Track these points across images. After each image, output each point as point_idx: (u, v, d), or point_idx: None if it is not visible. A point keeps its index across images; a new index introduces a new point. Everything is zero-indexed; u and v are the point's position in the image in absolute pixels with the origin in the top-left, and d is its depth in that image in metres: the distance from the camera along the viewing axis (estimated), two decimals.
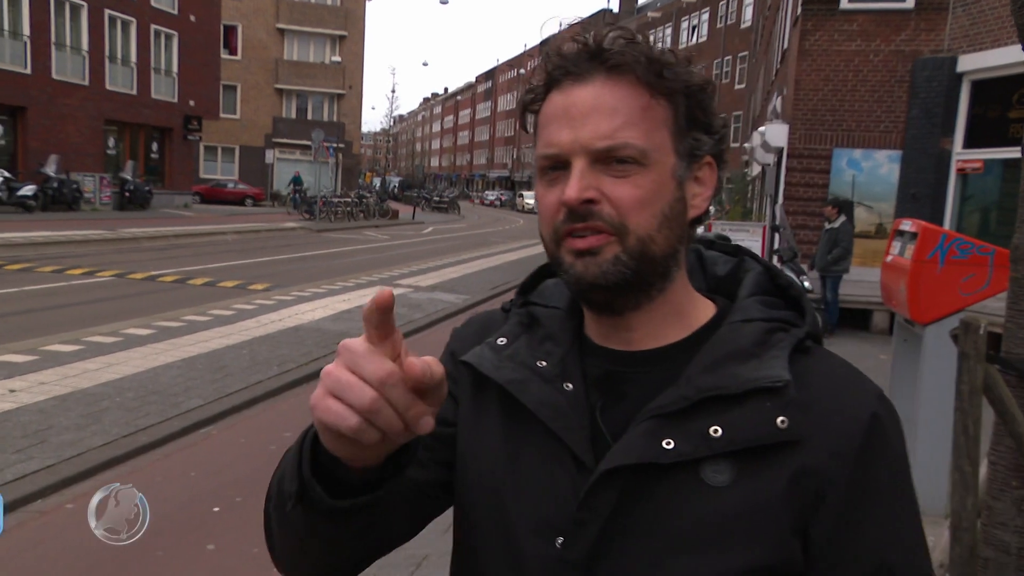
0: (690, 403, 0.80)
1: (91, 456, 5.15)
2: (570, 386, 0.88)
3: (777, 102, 15.06)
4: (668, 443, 0.79)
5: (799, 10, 12.10)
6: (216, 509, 4.67)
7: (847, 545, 0.80)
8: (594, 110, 0.82)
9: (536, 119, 0.89)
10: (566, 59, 0.86)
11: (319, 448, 0.76)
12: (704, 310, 0.92)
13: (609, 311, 0.89)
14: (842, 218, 10.73)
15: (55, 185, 24.73)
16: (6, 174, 23.21)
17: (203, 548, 4.20)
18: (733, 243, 1.02)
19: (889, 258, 5.23)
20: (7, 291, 11.28)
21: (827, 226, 10.87)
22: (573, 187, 0.82)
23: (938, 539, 3.73)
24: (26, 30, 25.27)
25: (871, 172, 11.91)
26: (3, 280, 12.19)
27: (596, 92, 0.83)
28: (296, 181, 37.48)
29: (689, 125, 0.86)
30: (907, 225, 5.16)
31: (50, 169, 24.82)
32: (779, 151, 12.89)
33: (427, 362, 0.68)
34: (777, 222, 11.55)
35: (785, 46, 14.81)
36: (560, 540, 0.83)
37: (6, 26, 24.74)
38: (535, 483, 0.87)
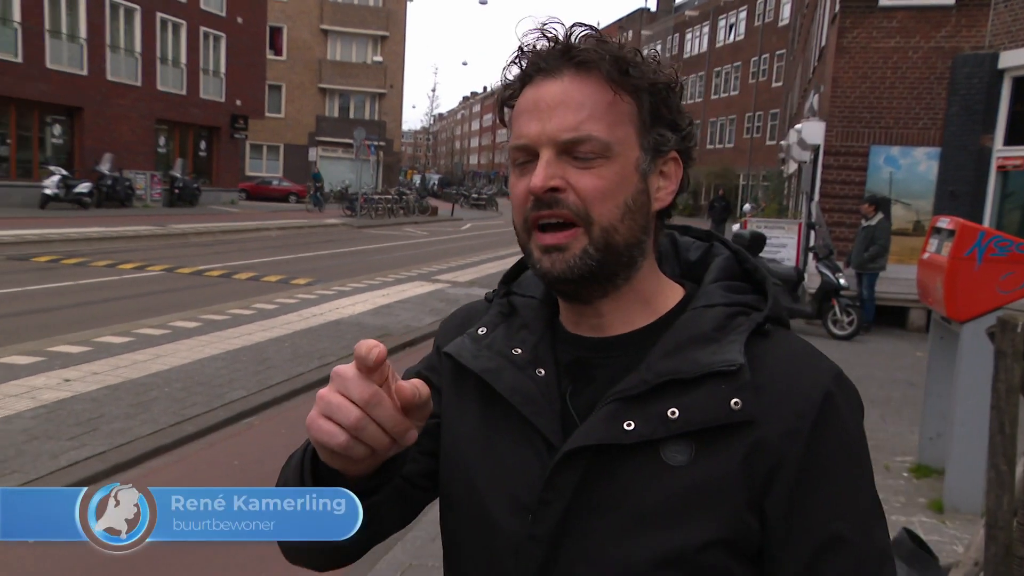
0: (649, 387, 0.83)
1: (140, 444, 5.24)
2: (542, 372, 0.91)
3: (814, 99, 14.81)
4: (629, 425, 0.82)
5: (837, 7, 11.86)
6: None
7: (799, 519, 0.82)
8: (561, 104, 0.86)
9: (511, 113, 0.93)
10: (538, 56, 0.89)
11: (318, 461, 0.84)
12: (672, 296, 0.94)
13: (578, 300, 0.92)
14: (879, 215, 10.52)
15: (109, 182, 25.17)
16: (63, 172, 23.68)
17: None
18: (708, 231, 1.03)
19: (926, 255, 5.13)
20: (63, 284, 11.54)
21: (864, 223, 10.67)
22: (539, 175, 0.85)
23: (974, 537, 3.67)
24: (83, 33, 25.76)
25: (909, 169, 11.66)
26: (60, 274, 12.47)
27: (564, 87, 0.86)
28: (316, 177, 35.69)
29: (654, 121, 0.89)
30: (944, 222, 5.05)
31: (104, 167, 25.30)
32: (815, 148, 12.68)
33: (415, 384, 0.77)
34: (813, 219, 11.37)
35: (823, 43, 14.56)
36: (530, 518, 0.87)
37: (64, 30, 25.26)
38: (508, 465, 0.90)
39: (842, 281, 10.30)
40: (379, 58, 47.98)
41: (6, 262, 13.27)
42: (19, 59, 23.61)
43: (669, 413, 0.82)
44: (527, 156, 0.89)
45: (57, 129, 25.97)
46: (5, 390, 6.03)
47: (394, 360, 4.44)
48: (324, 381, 3.76)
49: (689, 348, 0.85)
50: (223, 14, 32.35)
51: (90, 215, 22.23)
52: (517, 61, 0.91)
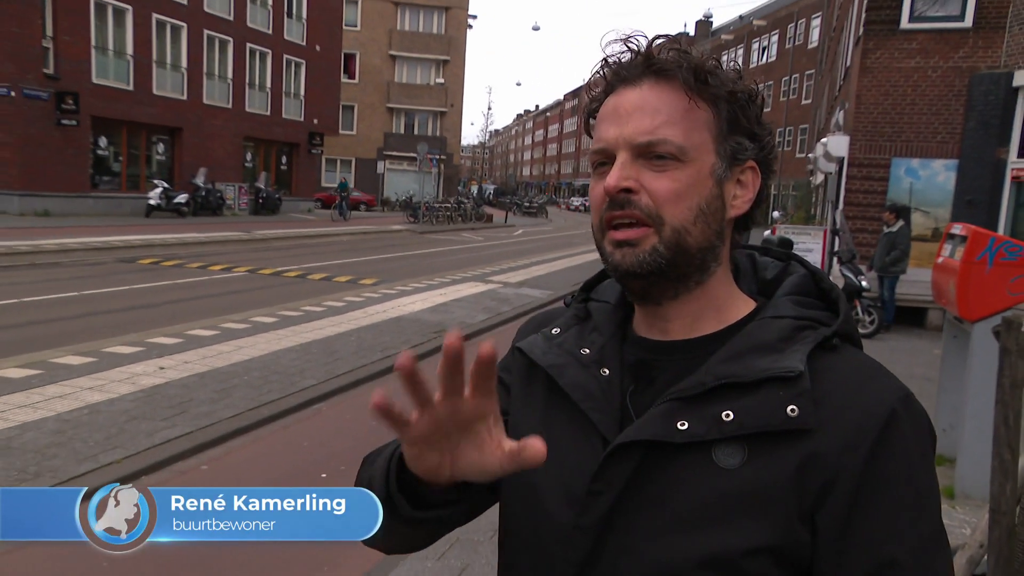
0: (706, 388, 0.78)
1: (222, 426, 5.34)
2: (606, 372, 0.87)
3: (840, 115, 14.45)
4: (683, 424, 0.77)
5: (861, 30, 11.58)
6: (323, 475, 4.79)
7: (853, 537, 0.75)
8: (638, 109, 0.82)
9: (595, 122, 0.89)
10: (620, 66, 0.86)
11: (403, 465, 0.80)
12: (743, 307, 0.88)
13: (648, 299, 0.87)
14: (900, 223, 10.30)
15: (203, 194, 25.74)
16: (165, 185, 24.35)
17: None
18: (788, 251, 0.96)
19: (940, 259, 5.04)
20: (162, 284, 11.87)
21: (885, 230, 10.46)
22: (613, 176, 0.82)
23: (980, 522, 3.59)
24: (184, 63, 26.47)
25: (928, 180, 11.34)
26: (159, 274, 12.82)
27: (642, 94, 0.83)
28: (342, 187, 31.79)
29: (731, 129, 0.84)
30: (958, 228, 4.98)
31: (199, 180, 25.93)
32: (840, 160, 12.39)
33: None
34: (837, 226, 11.14)
35: (848, 63, 14.20)
36: (578, 508, 0.82)
37: (168, 60, 26.01)
38: (564, 457, 0.85)
39: (864, 283, 10.10)
40: (441, 80, 48.27)
41: (116, 264, 13.70)
42: (131, 87, 24.39)
43: (723, 415, 0.76)
44: (605, 160, 0.85)
45: (161, 147, 26.71)
46: (111, 376, 6.23)
47: None
48: (386, 372, 3.87)
49: (750, 355, 0.80)
50: (303, 43, 32.89)
51: (187, 223, 22.76)
52: (601, 72, 0.88)
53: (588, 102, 0.91)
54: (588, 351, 0.90)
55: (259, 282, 12.77)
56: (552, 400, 0.90)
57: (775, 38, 47.52)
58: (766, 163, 0.88)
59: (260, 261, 15.36)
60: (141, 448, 4.81)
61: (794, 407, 0.75)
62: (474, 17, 52.49)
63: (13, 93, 20.46)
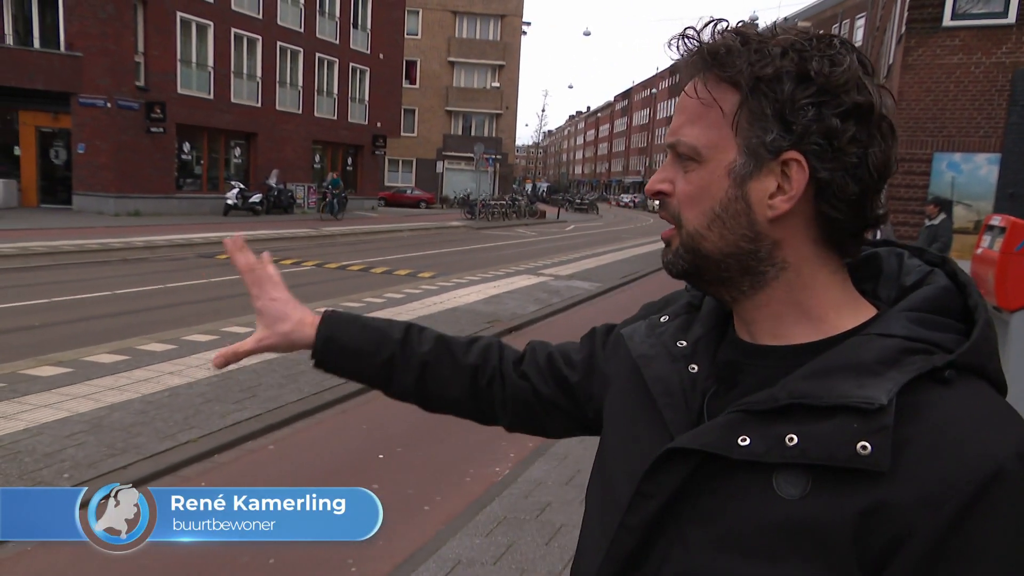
0: (777, 405, 0.66)
1: (288, 409, 5.44)
2: (695, 368, 0.79)
3: None
4: (744, 440, 0.67)
5: (903, 28, 11.14)
6: (381, 456, 4.86)
7: None
8: (678, 109, 0.75)
9: None
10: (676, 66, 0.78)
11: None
12: (854, 317, 0.72)
13: (708, 294, 0.82)
14: (942, 215, 9.97)
15: (275, 194, 26.35)
16: (241, 185, 25.04)
17: (369, 487, 4.38)
18: (944, 256, 0.77)
19: (979, 250, 4.87)
20: (236, 277, 11.98)
21: (927, 223, 10.14)
22: (652, 179, 0.77)
23: None
24: (259, 73, 27.13)
25: (971, 174, 10.89)
26: (234, 269, 13.14)
27: (684, 91, 0.75)
28: (334, 184, 26.80)
29: (758, 120, 0.69)
30: (996, 220, 4.80)
31: (272, 181, 26.57)
32: None
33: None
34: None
35: (891, 61, 13.70)
36: (626, 506, 0.76)
37: (245, 70, 26.68)
38: (637, 447, 0.79)
39: None
40: (497, 84, 48.34)
41: (197, 259, 14.13)
42: (211, 96, 25.11)
43: (787, 438, 0.65)
44: None
45: (237, 151, 27.43)
46: (189, 361, 6.43)
47: None
48: None
49: (836, 375, 0.66)
50: (368, 52, 33.30)
51: (260, 220, 23.30)
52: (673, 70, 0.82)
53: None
54: (684, 344, 0.82)
55: (325, 275, 12.97)
56: (643, 389, 0.82)
57: None
58: (824, 152, 0.68)
59: (326, 256, 15.57)
60: (215, 428, 4.95)
61: (866, 444, 0.61)
62: (528, 24, 52.31)
63: (109, 104, 21.30)
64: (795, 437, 0.65)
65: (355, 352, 1.03)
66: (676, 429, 0.75)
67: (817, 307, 0.73)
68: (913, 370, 0.64)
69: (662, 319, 0.88)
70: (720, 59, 0.70)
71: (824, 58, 0.68)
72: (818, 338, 0.72)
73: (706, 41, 0.72)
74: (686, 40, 0.73)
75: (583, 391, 0.99)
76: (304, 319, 1.04)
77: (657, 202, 0.78)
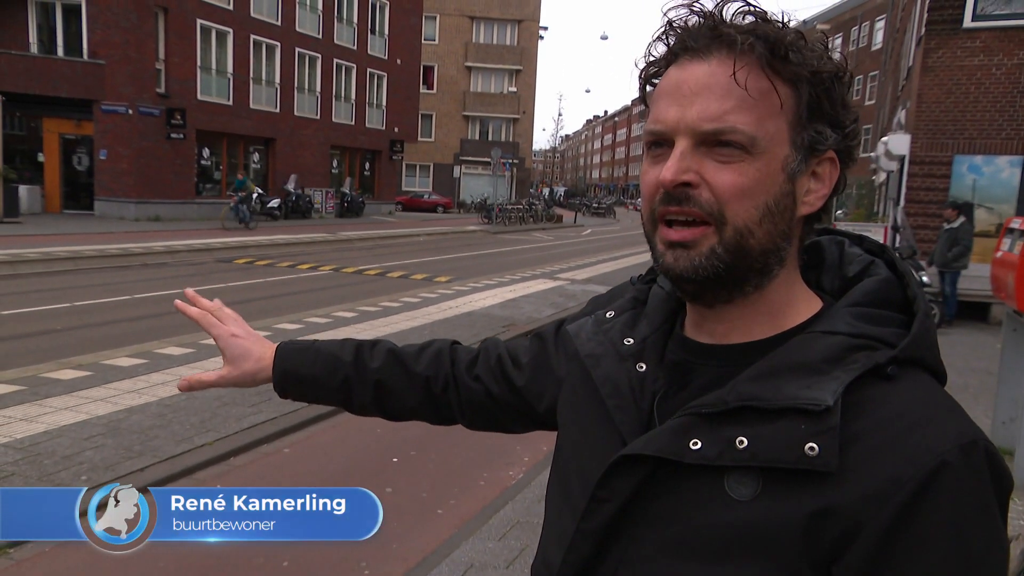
0: (726, 408, 0.66)
1: (303, 412, 5.46)
2: (643, 367, 0.77)
3: (902, 115, 13.81)
4: (695, 444, 0.66)
5: (923, 30, 11.03)
6: (395, 459, 4.87)
7: None
8: (706, 89, 0.67)
9: (652, 93, 0.74)
10: (687, 33, 0.70)
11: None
12: (805, 310, 0.72)
13: (700, 302, 0.74)
14: (962, 219, 9.89)
15: (294, 198, 26.57)
16: (260, 191, 25.23)
17: (383, 490, 4.37)
18: (881, 245, 0.77)
19: (999, 254, 4.82)
20: (254, 281, 12.28)
21: (946, 226, 10.05)
22: (671, 168, 0.68)
23: None
24: (277, 79, 27.38)
25: (992, 176, 10.75)
26: (253, 273, 13.28)
27: (711, 70, 0.67)
28: (239, 185, 21.93)
29: (812, 116, 0.68)
30: (1017, 223, 4.75)
31: (291, 186, 26.79)
32: (901, 159, 11.86)
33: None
34: (898, 223, 10.71)
35: (911, 63, 13.56)
36: (581, 510, 0.74)
37: (264, 77, 26.94)
38: (589, 447, 0.78)
39: (925, 279, 9.70)
40: (514, 89, 48.41)
41: (215, 263, 14.28)
42: (230, 102, 25.37)
43: (738, 441, 0.64)
44: (662, 143, 0.71)
45: (256, 156, 27.66)
46: (207, 365, 6.47)
47: None
48: None
49: (783, 376, 0.65)
50: (385, 57, 33.50)
51: (278, 225, 23.47)
52: (664, 37, 0.71)
53: (646, 67, 0.74)
54: (631, 342, 0.80)
55: (342, 280, 13.02)
56: (593, 388, 0.80)
57: (838, 41, 45.64)
58: (847, 152, 0.71)
59: (343, 260, 15.67)
60: (231, 431, 4.99)
61: (814, 445, 0.61)
62: (545, 29, 52.45)
63: (131, 111, 21.60)
64: (745, 440, 0.64)
65: (312, 380, 1.07)
66: (626, 431, 0.74)
67: (782, 304, 0.73)
68: (857, 368, 0.64)
69: (608, 315, 0.85)
70: (783, 50, 0.67)
71: (840, 58, 0.69)
72: (772, 334, 0.71)
73: (763, 27, 0.68)
74: (723, 24, 0.68)
75: (531, 392, 0.99)
76: (264, 355, 1.08)
77: (666, 193, 0.69)
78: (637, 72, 0.76)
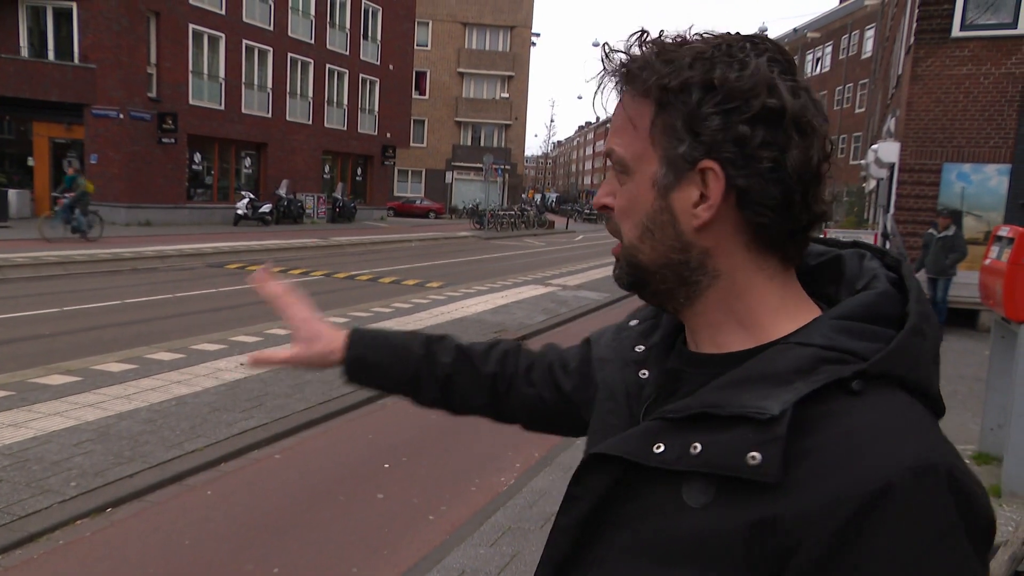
0: (688, 414, 0.67)
1: (295, 418, 5.46)
2: (646, 373, 0.81)
3: (891, 122, 13.93)
4: (659, 447, 0.67)
5: (912, 39, 11.15)
6: (386, 465, 4.86)
7: None
8: (613, 122, 0.75)
9: None
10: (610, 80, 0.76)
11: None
12: (790, 322, 0.70)
13: (657, 308, 0.81)
14: (954, 227, 10.00)
15: (285, 203, 26.51)
16: (252, 195, 25.21)
17: (374, 496, 4.39)
18: (897, 259, 0.74)
19: (987, 261, 4.87)
20: (246, 287, 12.20)
21: (937, 234, 10.16)
22: (598, 192, 0.76)
23: (1023, 519, 3.42)
24: (269, 84, 27.35)
25: (981, 184, 10.87)
26: (244, 279, 13.24)
27: (617, 106, 0.75)
28: (68, 184, 16.85)
29: (672, 130, 0.69)
30: (1005, 231, 4.80)
31: (282, 191, 26.72)
32: (891, 166, 11.96)
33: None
34: (888, 230, 10.79)
35: (900, 72, 13.70)
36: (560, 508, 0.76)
37: (256, 81, 26.92)
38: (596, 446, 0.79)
39: None
40: (506, 95, 48.53)
41: (206, 268, 14.23)
42: (222, 107, 25.32)
43: (692, 447, 0.64)
44: None
45: (248, 161, 27.60)
46: (196, 371, 6.46)
47: None
48: None
49: (749, 385, 0.65)
50: (378, 63, 33.51)
51: (270, 230, 23.40)
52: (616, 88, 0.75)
53: None
54: (641, 349, 0.83)
55: (334, 285, 13.00)
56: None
57: (828, 49, 46.03)
58: (739, 159, 0.66)
59: (335, 266, 15.63)
60: (222, 437, 4.97)
61: (755, 454, 0.60)
62: (537, 35, 52.61)
63: (122, 115, 21.53)
64: (699, 446, 0.64)
65: (382, 369, 1.10)
66: (613, 434, 0.75)
67: (751, 314, 0.71)
68: (819, 380, 0.62)
69: (631, 323, 0.89)
70: (632, 73, 0.71)
71: (731, 63, 0.67)
72: (751, 346, 0.70)
73: (623, 55, 0.72)
74: (609, 55, 0.73)
75: (578, 397, 1.01)
76: (335, 338, 1.11)
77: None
78: None
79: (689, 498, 0.65)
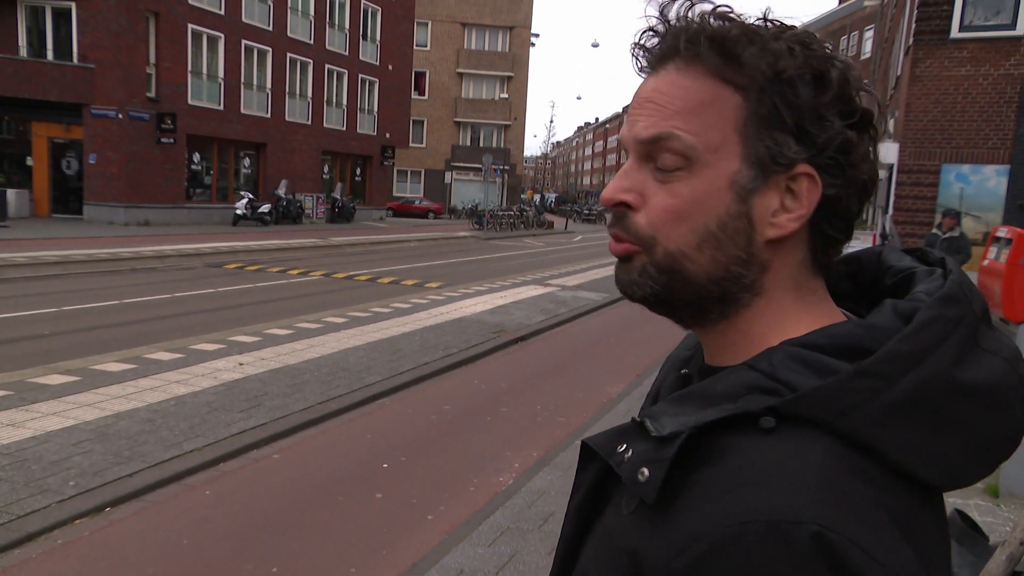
0: (639, 420, 0.62)
1: (293, 418, 5.45)
2: (685, 372, 0.77)
3: (890, 123, 13.95)
4: (623, 447, 0.62)
5: (911, 40, 11.17)
6: (385, 465, 4.86)
7: None
8: (649, 100, 0.62)
9: None
10: (640, 49, 0.65)
11: None
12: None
13: (672, 320, 0.68)
14: (960, 228, 10.06)
15: (284, 204, 26.50)
16: (251, 196, 25.20)
17: (373, 496, 4.38)
18: (947, 277, 0.62)
19: (986, 262, 4.89)
20: (245, 287, 12.25)
21: (942, 235, 10.17)
22: (610, 185, 0.64)
23: (1020, 519, 3.43)
24: (269, 84, 27.35)
25: (979, 185, 10.89)
26: (243, 278, 13.24)
27: (657, 82, 0.63)
28: None
29: (767, 124, 0.59)
30: (1003, 232, 4.81)
31: (281, 191, 26.72)
32: (889, 167, 11.97)
33: None
34: (887, 231, 10.79)
35: (899, 73, 13.72)
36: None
37: (255, 82, 26.91)
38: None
39: None
40: (505, 95, 48.52)
41: (205, 268, 14.22)
42: (221, 107, 25.32)
43: (627, 453, 0.61)
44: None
45: (247, 161, 27.59)
46: (195, 371, 6.46)
47: (506, 354, 4.59)
48: (447, 369, 4.00)
49: (686, 400, 0.61)
50: (377, 63, 33.51)
51: (269, 230, 23.38)
52: (633, 54, 0.66)
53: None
54: (691, 352, 0.79)
55: (332, 285, 13.00)
56: None
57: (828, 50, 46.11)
58: (835, 167, 0.60)
59: (334, 266, 15.62)
60: (220, 437, 4.97)
61: (645, 471, 0.57)
62: (536, 35, 52.62)
63: (121, 115, 21.52)
64: (630, 452, 0.60)
65: None
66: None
67: (761, 332, 0.63)
68: (728, 409, 0.56)
69: None
70: (728, 48, 0.60)
71: (836, 60, 0.60)
72: (737, 361, 0.64)
73: (706, 23, 0.61)
74: (668, 21, 0.63)
75: None
76: None
77: (612, 216, 0.65)
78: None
79: (623, 504, 0.61)
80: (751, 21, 0.62)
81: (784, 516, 0.50)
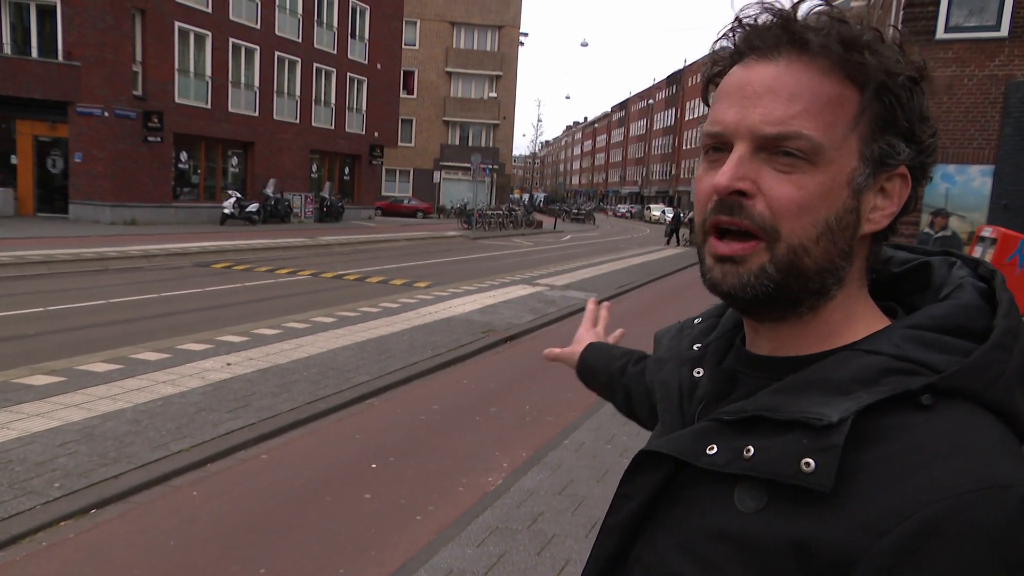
0: (743, 416, 0.63)
1: (282, 418, 5.42)
2: (700, 372, 0.77)
3: None
4: (711, 448, 0.64)
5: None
6: (374, 465, 4.84)
7: None
8: (771, 91, 0.62)
9: (715, 92, 0.69)
10: (754, 31, 0.65)
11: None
12: (863, 330, 0.66)
13: (749, 316, 0.71)
14: (952, 228, 10.15)
15: (272, 203, 26.39)
16: (238, 195, 25.07)
17: (361, 496, 4.37)
18: (992, 269, 0.69)
19: None
20: (233, 286, 12.18)
21: (934, 234, 10.26)
22: (726, 173, 0.63)
23: None
24: (256, 83, 27.21)
25: (964, 185, 10.99)
26: (231, 278, 13.16)
27: (778, 72, 0.62)
28: None
29: (884, 127, 0.63)
30: (988, 231, 4.81)
31: (269, 190, 26.60)
32: None
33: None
34: None
35: None
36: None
37: (243, 80, 26.76)
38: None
39: None
40: (494, 94, 48.51)
41: (192, 268, 14.12)
42: (208, 106, 25.15)
43: (745, 450, 0.61)
44: (720, 145, 0.66)
45: (235, 160, 27.44)
46: (182, 371, 6.41)
47: (495, 353, 4.63)
48: (436, 368, 3.99)
49: (807, 390, 0.61)
50: (366, 62, 33.42)
51: (257, 230, 23.26)
52: (731, 35, 0.67)
53: (710, 65, 0.70)
54: (698, 347, 0.80)
55: (321, 285, 12.95)
56: None
57: None
58: (921, 169, 0.66)
59: (323, 265, 15.56)
60: (208, 438, 4.94)
61: (810, 460, 0.57)
62: (525, 35, 52.61)
63: (106, 113, 21.33)
64: (752, 449, 0.61)
65: (595, 373, 1.25)
66: (669, 433, 0.74)
67: (840, 323, 0.67)
68: (884, 391, 0.58)
69: (696, 320, 0.86)
70: (858, 52, 0.61)
71: (926, 63, 0.63)
72: (819, 350, 0.66)
73: (837, 27, 0.62)
74: (794, 22, 0.63)
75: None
76: (585, 344, 1.32)
77: (719, 201, 0.65)
78: (706, 70, 0.70)
79: (742, 503, 0.61)
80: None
81: (995, 480, 0.53)
